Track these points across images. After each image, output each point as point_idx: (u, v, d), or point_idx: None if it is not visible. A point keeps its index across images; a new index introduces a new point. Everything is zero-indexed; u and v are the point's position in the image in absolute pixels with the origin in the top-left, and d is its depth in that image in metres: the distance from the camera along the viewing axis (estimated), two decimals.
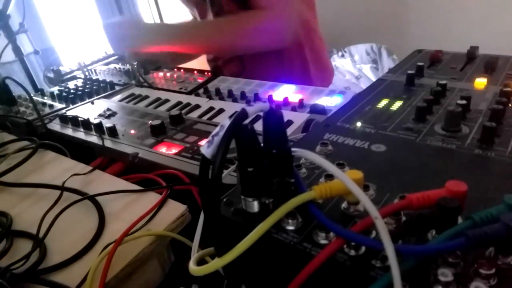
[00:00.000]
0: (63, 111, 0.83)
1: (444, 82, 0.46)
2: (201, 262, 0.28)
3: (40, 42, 1.80)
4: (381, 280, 0.21)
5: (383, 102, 0.46)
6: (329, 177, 0.30)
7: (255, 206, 0.28)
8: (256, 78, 0.89)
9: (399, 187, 0.29)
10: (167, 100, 0.82)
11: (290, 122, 0.62)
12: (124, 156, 0.61)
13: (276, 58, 1.02)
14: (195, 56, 1.25)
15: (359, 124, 0.41)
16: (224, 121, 0.25)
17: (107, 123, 0.69)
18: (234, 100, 0.79)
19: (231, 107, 0.74)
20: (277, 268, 0.28)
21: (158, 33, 1.00)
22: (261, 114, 0.26)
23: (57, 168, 0.60)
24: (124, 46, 1.01)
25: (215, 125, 0.65)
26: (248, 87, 0.85)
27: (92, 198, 0.49)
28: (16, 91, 0.88)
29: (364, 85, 2.13)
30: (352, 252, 0.24)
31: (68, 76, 1.13)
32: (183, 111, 0.73)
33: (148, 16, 2.54)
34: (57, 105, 0.88)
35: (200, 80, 0.93)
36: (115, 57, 1.18)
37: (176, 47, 0.98)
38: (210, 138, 0.25)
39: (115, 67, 1.07)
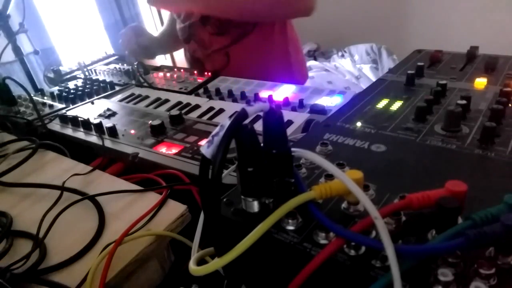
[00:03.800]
0: (63, 111, 0.83)
1: (444, 82, 0.46)
2: (201, 262, 0.28)
3: (40, 42, 1.80)
4: (381, 280, 0.21)
5: (383, 102, 0.46)
6: (329, 177, 0.30)
7: (255, 206, 0.28)
8: (242, 70, 0.89)
9: (399, 187, 0.29)
10: (167, 100, 0.82)
11: (290, 122, 0.62)
12: (124, 156, 0.61)
13: (260, 47, 1.02)
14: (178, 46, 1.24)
15: (359, 124, 0.41)
16: (224, 121, 0.25)
17: (107, 123, 0.69)
18: (234, 100, 0.79)
19: (231, 107, 0.74)
20: (277, 268, 0.28)
21: None
22: (261, 114, 0.26)
23: (57, 168, 0.60)
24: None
25: (215, 125, 0.65)
26: (248, 87, 0.85)
27: (92, 198, 0.49)
28: (16, 91, 0.88)
29: (364, 85, 2.13)
30: (352, 252, 0.24)
31: (68, 76, 1.13)
32: (183, 111, 0.73)
33: (148, 16, 2.54)
34: (57, 105, 0.88)
35: (200, 80, 0.93)
36: (115, 57, 1.18)
37: (199, 7, 0.96)
38: (210, 138, 0.25)
39: (115, 67, 1.07)
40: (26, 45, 1.27)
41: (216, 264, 0.25)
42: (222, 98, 0.81)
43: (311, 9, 0.93)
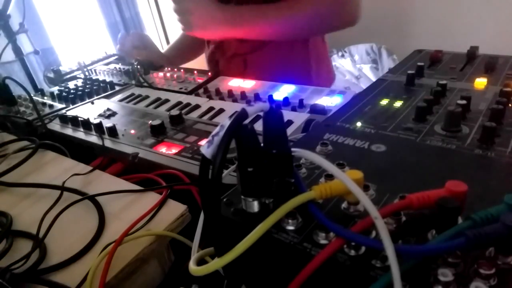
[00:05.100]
0: (63, 111, 0.83)
1: (444, 82, 0.46)
2: (201, 262, 0.28)
3: (40, 42, 1.80)
4: (381, 280, 0.21)
5: (383, 102, 0.46)
6: (329, 177, 0.30)
7: (255, 206, 0.28)
8: (259, 77, 0.88)
9: (399, 187, 0.29)
10: (167, 100, 0.82)
11: (290, 122, 0.62)
12: (124, 156, 0.61)
13: (279, 57, 1.00)
14: (190, 58, 1.24)
15: (359, 124, 0.41)
16: (224, 121, 0.25)
17: (107, 123, 0.69)
18: (234, 100, 0.79)
19: (231, 107, 0.74)
20: (277, 268, 0.28)
21: (227, 17, 0.90)
22: (261, 114, 0.26)
23: (57, 168, 0.60)
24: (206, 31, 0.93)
25: (215, 125, 0.65)
26: (248, 87, 0.85)
27: (92, 198, 0.49)
28: (16, 91, 0.88)
29: (364, 85, 2.13)
30: (352, 252, 0.24)
31: (68, 76, 1.13)
32: (183, 111, 0.73)
33: (148, 16, 2.54)
34: (57, 105, 0.88)
35: (200, 80, 0.93)
36: (115, 57, 1.18)
37: (241, 33, 0.92)
38: (210, 138, 0.25)
39: (115, 67, 1.07)
40: (26, 45, 1.27)
41: (216, 264, 0.25)
42: (222, 98, 0.81)
43: (357, 18, 0.90)
